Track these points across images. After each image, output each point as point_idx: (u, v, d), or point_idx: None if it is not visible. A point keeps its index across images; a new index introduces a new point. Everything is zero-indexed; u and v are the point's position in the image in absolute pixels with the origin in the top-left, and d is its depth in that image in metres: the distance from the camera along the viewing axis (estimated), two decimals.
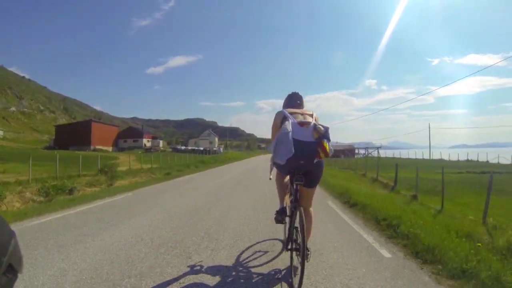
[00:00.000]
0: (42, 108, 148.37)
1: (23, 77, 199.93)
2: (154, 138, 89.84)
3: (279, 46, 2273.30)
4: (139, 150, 64.01)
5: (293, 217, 3.12)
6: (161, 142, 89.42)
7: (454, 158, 53.72)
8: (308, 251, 2.88)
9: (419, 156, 60.33)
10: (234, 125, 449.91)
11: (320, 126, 2.95)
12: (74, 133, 64.62)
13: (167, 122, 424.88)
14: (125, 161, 26.22)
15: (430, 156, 59.25)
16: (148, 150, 63.18)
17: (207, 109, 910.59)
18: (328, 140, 2.93)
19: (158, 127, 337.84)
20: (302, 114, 3.19)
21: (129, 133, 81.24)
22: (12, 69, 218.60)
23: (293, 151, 2.80)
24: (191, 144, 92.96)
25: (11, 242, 1.07)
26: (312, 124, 3.00)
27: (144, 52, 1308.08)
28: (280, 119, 3.19)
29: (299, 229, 2.94)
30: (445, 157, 55.74)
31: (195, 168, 24.52)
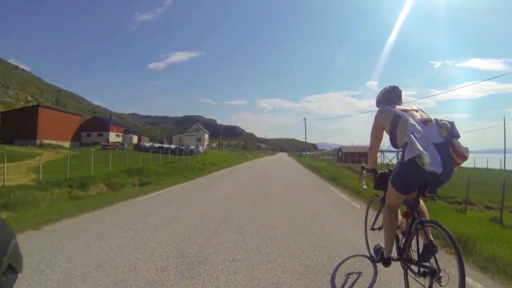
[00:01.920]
0: (30, 99, 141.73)
1: (17, 67, 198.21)
2: (126, 132, 72.94)
3: (282, 46, 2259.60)
4: (99, 146, 48.74)
5: (414, 233, 2.59)
6: (134, 137, 72.58)
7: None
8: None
9: None
10: (235, 124, 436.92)
11: (445, 122, 2.44)
12: (19, 123, 49.25)
13: (165, 119, 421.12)
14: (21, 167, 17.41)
15: None
16: (104, 147, 47.57)
17: (208, 106, 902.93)
18: (458, 137, 2.42)
19: (157, 124, 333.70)
20: (415, 110, 2.70)
21: (93, 125, 64.43)
22: (11, 60, 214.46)
23: (439, 155, 2.31)
24: (176, 141, 75.39)
25: (11, 242, 1.08)
26: (434, 120, 2.49)
27: (146, 47, 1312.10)
28: (391, 119, 2.72)
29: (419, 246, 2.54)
30: None
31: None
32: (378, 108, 3.11)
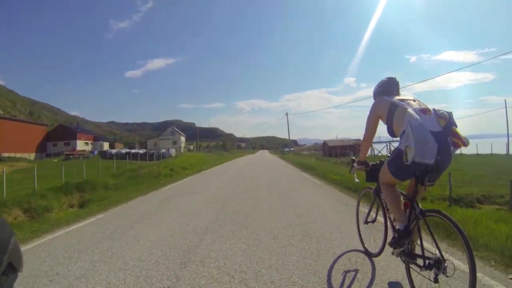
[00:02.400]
0: (1, 112, 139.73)
1: None
2: (96, 139, 68.94)
3: (258, 47, 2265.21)
4: (62, 157, 44.79)
5: (415, 224, 2.58)
6: (105, 144, 69.36)
7: None
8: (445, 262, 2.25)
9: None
10: (214, 126, 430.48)
11: (443, 112, 2.47)
12: None
13: (144, 125, 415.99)
14: None
15: None
16: (68, 156, 43.67)
17: (186, 111, 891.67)
18: (455, 126, 2.45)
19: (135, 130, 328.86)
20: (413, 100, 2.68)
21: (60, 134, 60.05)
22: None
23: (437, 144, 2.29)
24: (151, 146, 69.78)
25: (11, 241, 1.07)
26: (432, 109, 2.52)
27: (122, 55, 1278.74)
28: (387, 109, 2.72)
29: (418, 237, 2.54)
30: None
31: None
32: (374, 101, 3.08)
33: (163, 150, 42.83)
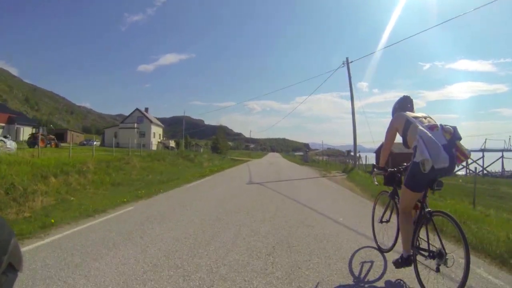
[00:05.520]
0: None
1: None
2: (11, 121, 46.04)
3: (271, 47, 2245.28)
4: None
5: (423, 222, 3.05)
6: (23, 128, 45.35)
7: None
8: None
9: None
10: (223, 124, 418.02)
11: (449, 127, 2.92)
12: None
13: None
14: None
15: None
16: None
17: (196, 108, 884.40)
18: (460, 139, 2.90)
19: None
20: (424, 117, 3.18)
21: None
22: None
23: (447, 157, 2.73)
24: (109, 136, 51.95)
25: (11, 241, 1.07)
26: (439, 125, 2.98)
27: (135, 48, 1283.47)
28: (403, 124, 3.22)
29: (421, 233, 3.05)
30: None
31: None
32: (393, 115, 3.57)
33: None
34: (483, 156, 42.86)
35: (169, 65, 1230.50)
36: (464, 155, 2.82)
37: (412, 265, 3.05)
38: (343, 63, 23.31)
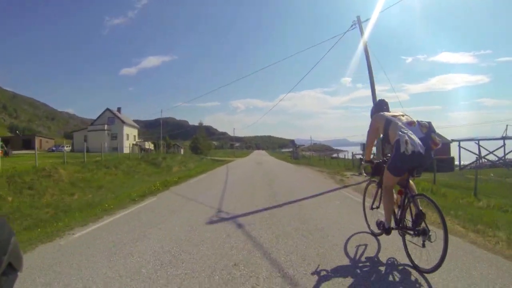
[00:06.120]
0: None
1: None
2: None
3: (254, 46, 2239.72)
4: None
5: (407, 205, 3.45)
6: None
7: None
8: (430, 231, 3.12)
9: None
10: (208, 124, 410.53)
11: (425, 122, 3.37)
12: None
13: (136, 123, 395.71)
14: None
15: None
16: None
17: (181, 109, 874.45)
18: (434, 132, 3.33)
19: None
20: (401, 115, 3.61)
21: None
22: None
23: (424, 147, 3.16)
24: (78, 140, 49.01)
25: (11, 241, 1.05)
26: (416, 121, 3.41)
27: (117, 52, 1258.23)
28: (383, 123, 3.61)
29: (412, 213, 3.37)
30: None
31: None
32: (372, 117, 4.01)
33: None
34: (504, 145, 40.87)
35: (152, 68, 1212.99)
36: (435, 144, 3.23)
37: (400, 241, 3.59)
38: (352, 24, 15.82)
